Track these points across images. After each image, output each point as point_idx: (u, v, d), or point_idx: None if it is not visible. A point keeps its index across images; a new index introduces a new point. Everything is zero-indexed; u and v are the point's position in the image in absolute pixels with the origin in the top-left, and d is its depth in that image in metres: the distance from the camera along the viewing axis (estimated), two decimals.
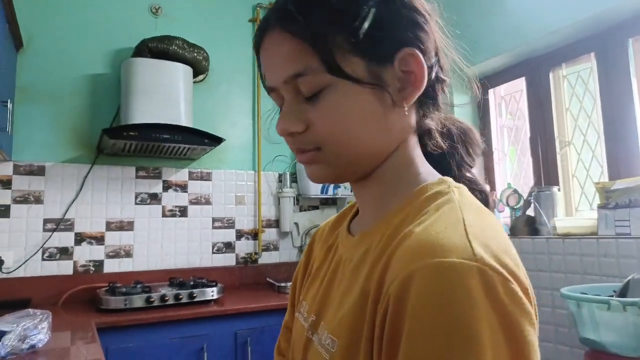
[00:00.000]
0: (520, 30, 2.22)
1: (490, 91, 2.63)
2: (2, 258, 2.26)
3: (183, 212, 2.70)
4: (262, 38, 0.55)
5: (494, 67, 2.48)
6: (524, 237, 2.15)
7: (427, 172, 0.59)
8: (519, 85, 2.54)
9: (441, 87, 0.60)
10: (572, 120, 2.29)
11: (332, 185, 3.04)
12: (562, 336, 1.95)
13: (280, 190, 3.01)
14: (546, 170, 2.32)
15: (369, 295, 0.48)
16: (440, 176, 0.58)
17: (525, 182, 2.51)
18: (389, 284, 0.45)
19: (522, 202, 2.30)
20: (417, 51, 0.53)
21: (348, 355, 0.50)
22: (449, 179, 0.56)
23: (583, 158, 2.25)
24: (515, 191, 2.34)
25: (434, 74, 0.57)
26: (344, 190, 3.09)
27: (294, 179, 3.08)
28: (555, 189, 2.18)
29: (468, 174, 0.64)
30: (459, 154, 0.63)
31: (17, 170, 2.35)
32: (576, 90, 2.27)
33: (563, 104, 2.31)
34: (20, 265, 2.30)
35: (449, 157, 0.63)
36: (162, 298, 2.15)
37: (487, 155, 2.59)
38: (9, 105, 1.99)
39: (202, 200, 2.77)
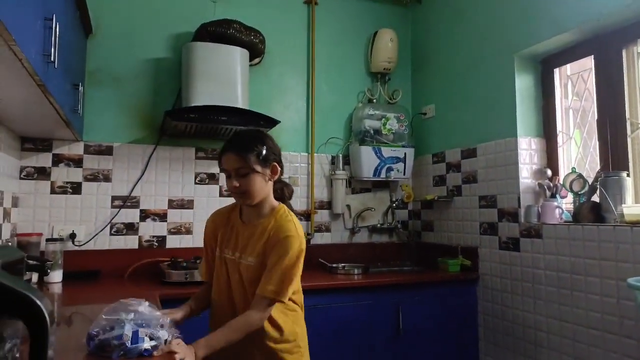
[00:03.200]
0: (590, 4, 2.08)
1: (556, 70, 2.50)
2: (74, 232, 2.43)
3: None
4: (224, 152, 1.45)
5: (559, 45, 2.35)
6: (587, 225, 2.06)
7: (275, 202, 1.53)
8: (587, 64, 2.39)
9: (280, 175, 1.53)
10: None
11: (384, 168, 3.03)
12: (627, 329, 1.86)
13: (332, 173, 3.03)
14: (615, 154, 2.19)
15: (267, 243, 1.44)
16: (280, 203, 1.54)
17: (591, 167, 2.37)
18: (275, 240, 1.43)
19: (587, 188, 2.19)
20: (276, 164, 1.49)
21: (259, 264, 1.44)
22: (282, 204, 1.54)
23: None
24: (580, 176, 2.22)
25: (279, 171, 1.51)
26: (397, 173, 3.06)
27: (347, 161, 3.09)
28: (624, 174, 2.05)
29: (288, 202, 1.61)
30: (285, 194, 1.60)
31: (87, 150, 2.51)
32: None
33: (636, 84, 2.15)
34: (90, 239, 2.47)
35: (282, 195, 1.59)
36: None
37: (550, 138, 2.48)
38: (80, 88, 2.12)
39: None
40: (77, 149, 2.49)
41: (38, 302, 0.45)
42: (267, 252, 1.43)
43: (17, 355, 0.56)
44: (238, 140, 1.46)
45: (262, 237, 1.45)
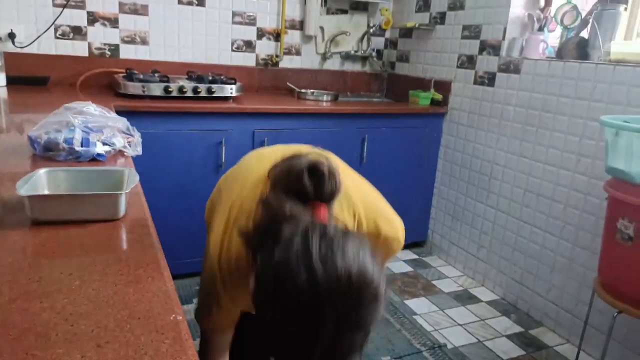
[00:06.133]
0: None
1: None
2: (13, 31, 2.15)
3: (200, 1, 2.47)
4: None
5: None
6: (570, 61, 1.97)
7: None
8: None
9: None
10: None
11: None
12: (582, 166, 1.93)
13: None
14: None
15: None
16: None
17: (587, 1, 2.20)
18: None
19: (578, 21, 2.05)
20: None
21: None
22: None
23: None
24: (575, 7, 2.06)
25: None
26: None
27: None
28: (621, 7, 1.91)
29: None
30: None
31: None
32: None
33: None
34: (33, 41, 2.20)
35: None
36: (181, 89, 2.10)
37: None
38: None
39: None
40: None
41: None
42: None
43: None
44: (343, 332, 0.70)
45: None
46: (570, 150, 1.97)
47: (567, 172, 1.99)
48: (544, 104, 2.07)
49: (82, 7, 2.26)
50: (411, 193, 2.71)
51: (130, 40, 2.39)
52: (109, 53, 2.36)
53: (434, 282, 2.47)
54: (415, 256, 2.77)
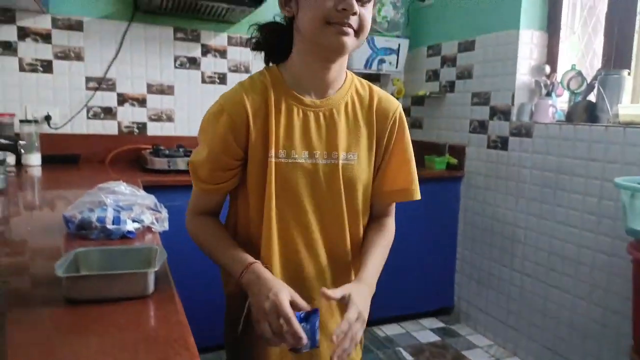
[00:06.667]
0: None
1: None
2: (49, 114, 2.31)
3: (222, 79, 2.64)
4: None
5: None
6: (580, 124, 2.02)
7: None
8: None
9: None
10: None
11: (376, 60, 2.88)
12: (604, 227, 1.91)
13: None
14: (618, 51, 2.08)
15: (371, 123, 0.99)
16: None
17: (591, 66, 2.28)
18: (392, 115, 1.01)
19: (584, 86, 2.11)
20: None
21: (365, 158, 0.99)
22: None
23: None
24: (579, 74, 2.14)
25: None
26: (389, 66, 2.92)
27: None
28: (625, 72, 1.97)
29: None
30: None
31: (55, 24, 2.28)
32: None
33: None
34: (67, 122, 2.35)
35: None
36: None
37: (553, 33, 2.33)
38: None
39: (241, 68, 2.68)
40: (43, 23, 2.27)
41: None
42: (380, 138, 1.00)
43: None
44: None
45: (359, 117, 0.98)
46: (590, 211, 1.97)
47: (589, 233, 1.97)
48: (558, 166, 2.10)
49: (113, 90, 2.43)
50: (434, 259, 2.69)
51: (157, 118, 2.53)
52: (136, 130, 2.50)
53: (464, 353, 2.38)
54: (442, 324, 2.70)
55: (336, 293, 0.86)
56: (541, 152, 2.18)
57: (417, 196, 1.05)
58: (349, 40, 0.87)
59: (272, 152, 0.92)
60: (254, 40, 0.98)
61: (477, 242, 2.59)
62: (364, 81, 1.03)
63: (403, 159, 1.03)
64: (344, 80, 0.99)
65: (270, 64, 0.99)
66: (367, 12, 0.87)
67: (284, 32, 0.95)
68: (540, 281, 2.21)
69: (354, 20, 0.85)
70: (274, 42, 0.97)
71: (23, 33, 2.24)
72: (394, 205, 1.09)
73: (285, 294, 0.84)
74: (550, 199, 2.14)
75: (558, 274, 2.12)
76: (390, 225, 1.08)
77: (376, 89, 1.02)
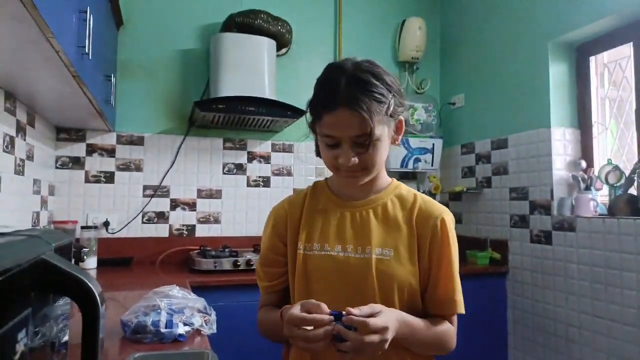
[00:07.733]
0: None
1: (592, 58, 2.41)
2: (108, 220, 2.50)
3: (266, 182, 2.80)
4: (331, 107, 0.94)
5: (596, 31, 2.27)
6: (623, 218, 1.99)
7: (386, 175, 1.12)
8: (625, 51, 2.30)
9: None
10: None
11: (412, 159, 3.00)
12: None
13: None
14: None
15: (411, 225, 1.04)
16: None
17: (627, 159, 2.30)
18: (433, 219, 1.05)
19: (623, 180, 2.12)
20: (401, 117, 1.04)
21: (400, 256, 1.02)
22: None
23: None
24: (617, 168, 2.16)
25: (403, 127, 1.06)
26: (425, 164, 3.03)
27: None
28: None
29: None
30: None
31: (119, 140, 2.56)
32: None
33: None
34: (123, 227, 2.53)
35: None
36: (248, 262, 2.27)
37: (585, 129, 2.40)
38: (112, 79, 2.16)
39: (283, 172, 2.85)
40: (109, 139, 2.55)
41: (89, 284, 0.47)
42: (421, 240, 1.03)
43: (67, 334, 0.58)
44: (355, 82, 0.92)
45: (395, 219, 1.04)
46: None
47: None
48: (606, 260, 2.04)
49: (167, 196, 2.62)
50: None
51: (205, 220, 2.69)
52: (185, 233, 2.64)
53: None
54: None
55: (363, 310, 0.87)
56: (586, 246, 2.14)
57: (461, 309, 1.08)
58: (359, 179, 1.01)
59: (301, 245, 1.06)
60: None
61: (530, 341, 2.45)
62: (412, 190, 1.12)
63: (447, 274, 1.07)
64: (388, 185, 1.10)
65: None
66: (373, 151, 0.96)
67: None
68: None
69: (357, 166, 0.97)
70: None
71: (91, 149, 2.52)
72: (454, 318, 1.11)
73: (294, 308, 0.89)
74: (602, 296, 2.06)
75: None
76: (450, 326, 1.09)
77: (422, 195, 1.10)
